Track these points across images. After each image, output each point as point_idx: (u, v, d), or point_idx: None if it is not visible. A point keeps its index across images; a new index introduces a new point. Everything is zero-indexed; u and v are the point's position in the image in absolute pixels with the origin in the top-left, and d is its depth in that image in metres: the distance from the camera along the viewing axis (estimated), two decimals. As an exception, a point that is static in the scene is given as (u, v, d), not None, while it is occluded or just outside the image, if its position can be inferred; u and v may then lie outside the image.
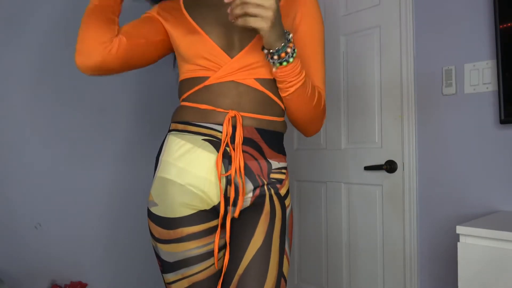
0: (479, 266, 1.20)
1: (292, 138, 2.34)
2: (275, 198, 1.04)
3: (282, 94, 1.02)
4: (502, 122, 1.51)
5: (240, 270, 0.96)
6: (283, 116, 1.10)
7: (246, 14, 0.85)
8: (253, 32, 1.00)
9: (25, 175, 1.83)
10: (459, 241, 1.26)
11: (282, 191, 1.07)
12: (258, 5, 0.84)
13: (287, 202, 1.07)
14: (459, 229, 1.25)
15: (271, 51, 0.92)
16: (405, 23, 1.82)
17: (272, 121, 1.05)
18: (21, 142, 1.82)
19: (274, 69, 0.96)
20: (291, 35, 0.94)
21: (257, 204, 1.03)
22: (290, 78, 0.97)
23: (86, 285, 1.90)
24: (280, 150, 1.08)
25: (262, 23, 0.86)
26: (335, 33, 2.12)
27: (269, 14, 0.85)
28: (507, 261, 1.14)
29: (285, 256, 1.01)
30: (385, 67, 1.91)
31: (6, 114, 1.79)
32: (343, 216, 2.08)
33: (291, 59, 0.93)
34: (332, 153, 2.13)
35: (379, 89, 1.93)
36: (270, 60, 0.94)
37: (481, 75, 1.61)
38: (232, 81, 1.01)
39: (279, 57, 0.93)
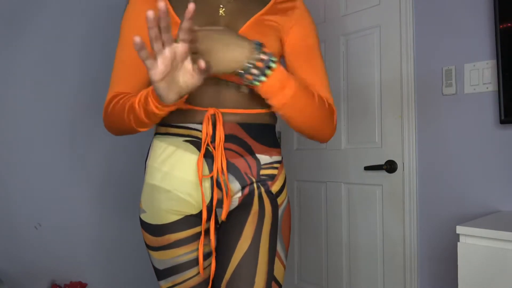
0: (479, 266, 1.20)
1: (292, 138, 2.34)
2: (265, 196, 0.98)
3: (276, 111, 0.94)
4: (502, 122, 1.51)
5: (227, 276, 0.91)
6: (269, 108, 1.00)
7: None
8: (238, 22, 0.96)
9: (25, 175, 1.83)
10: (459, 241, 1.26)
11: (274, 188, 1.01)
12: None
13: (280, 200, 1.02)
14: (459, 229, 1.25)
15: (239, 72, 0.83)
16: (405, 23, 1.82)
17: (257, 114, 0.99)
18: (21, 142, 1.82)
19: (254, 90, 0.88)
20: (261, 44, 0.84)
21: (244, 204, 0.98)
22: (276, 91, 0.87)
23: (86, 285, 1.90)
24: (271, 143, 1.02)
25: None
26: (335, 33, 2.12)
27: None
28: (507, 261, 1.14)
29: (277, 258, 0.96)
30: (385, 67, 1.91)
31: (6, 114, 1.79)
32: (343, 216, 2.08)
33: (268, 71, 0.84)
34: (332, 153, 2.13)
35: (379, 89, 1.93)
36: (245, 83, 0.86)
37: (481, 75, 1.61)
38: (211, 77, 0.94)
39: (252, 74, 0.84)
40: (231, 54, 0.82)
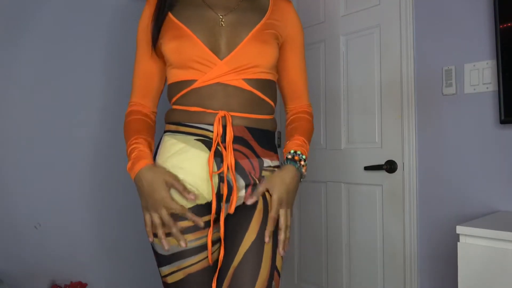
0: (479, 266, 1.20)
1: (292, 138, 2.34)
2: (267, 195, 1.07)
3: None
4: (502, 122, 1.51)
5: (235, 263, 1.00)
6: (272, 114, 1.13)
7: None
8: (241, 32, 1.06)
9: (25, 175, 1.83)
10: (459, 241, 1.26)
11: None
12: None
13: None
14: (459, 229, 1.25)
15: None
16: (405, 23, 1.82)
17: (261, 119, 1.09)
18: (21, 142, 1.82)
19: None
20: (302, 159, 1.09)
21: (251, 206, 1.05)
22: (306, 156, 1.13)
23: (86, 285, 1.90)
24: (271, 148, 1.12)
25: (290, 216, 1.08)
26: (335, 33, 2.12)
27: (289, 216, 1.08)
28: (507, 261, 1.14)
29: (278, 251, 1.05)
30: (385, 67, 1.91)
31: (6, 114, 1.79)
32: (343, 216, 2.08)
33: (304, 162, 1.10)
34: (332, 153, 2.13)
35: (379, 89, 1.93)
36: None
37: (481, 75, 1.61)
38: (219, 83, 1.04)
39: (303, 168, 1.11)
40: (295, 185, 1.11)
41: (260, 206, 1.05)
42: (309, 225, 2.24)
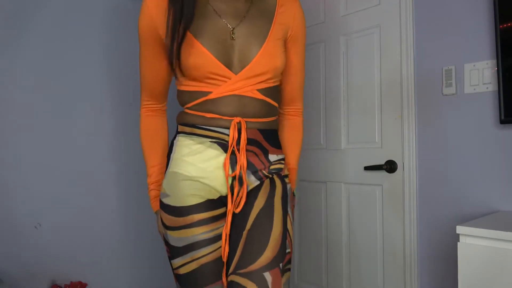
0: (479, 266, 1.20)
1: (292, 138, 2.34)
2: (275, 176, 1.17)
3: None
4: (502, 122, 1.51)
5: (247, 227, 1.07)
6: (277, 115, 1.22)
7: None
8: (253, 46, 1.10)
9: (25, 175, 1.83)
10: (459, 241, 1.26)
11: (282, 174, 1.20)
12: None
13: (287, 180, 1.19)
14: (459, 229, 1.25)
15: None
16: (405, 23, 1.82)
17: (270, 121, 1.18)
18: (21, 142, 1.82)
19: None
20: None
21: (258, 185, 1.15)
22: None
23: (86, 285, 1.90)
24: (277, 144, 1.21)
25: None
26: (335, 33, 2.12)
27: None
28: (507, 261, 1.15)
29: (288, 217, 1.12)
30: (385, 67, 1.91)
31: (6, 114, 1.79)
32: (343, 216, 2.08)
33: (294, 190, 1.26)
34: (332, 153, 2.13)
35: (379, 89, 1.93)
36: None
37: (481, 75, 1.61)
38: (234, 94, 1.09)
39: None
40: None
41: (267, 182, 1.14)
42: (309, 225, 2.24)
